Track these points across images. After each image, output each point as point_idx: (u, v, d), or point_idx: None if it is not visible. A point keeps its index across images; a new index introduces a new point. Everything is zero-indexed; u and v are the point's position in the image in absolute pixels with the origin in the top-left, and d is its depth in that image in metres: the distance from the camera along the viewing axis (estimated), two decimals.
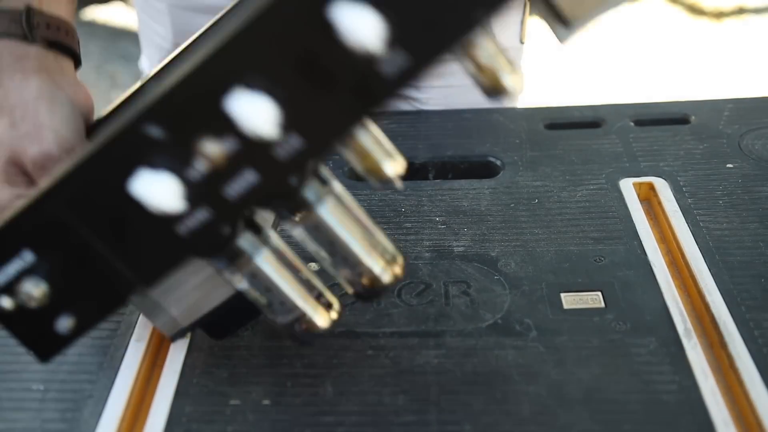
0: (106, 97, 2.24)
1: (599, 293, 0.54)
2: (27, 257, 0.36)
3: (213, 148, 0.33)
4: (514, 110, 0.77)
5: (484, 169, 0.68)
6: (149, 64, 0.83)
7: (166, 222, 0.35)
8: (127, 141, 0.34)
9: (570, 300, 0.53)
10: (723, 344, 0.49)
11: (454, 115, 0.75)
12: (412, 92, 0.79)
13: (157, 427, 0.45)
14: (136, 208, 0.34)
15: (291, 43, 0.31)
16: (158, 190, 0.33)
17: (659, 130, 0.71)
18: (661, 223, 0.61)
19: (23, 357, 0.50)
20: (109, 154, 0.34)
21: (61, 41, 0.53)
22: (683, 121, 0.72)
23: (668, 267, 0.55)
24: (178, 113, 0.33)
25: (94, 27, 2.65)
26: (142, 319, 0.52)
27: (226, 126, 0.33)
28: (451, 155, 0.69)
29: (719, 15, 2.67)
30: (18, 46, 0.50)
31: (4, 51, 0.50)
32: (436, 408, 0.46)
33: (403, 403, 0.46)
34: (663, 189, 0.63)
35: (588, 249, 0.57)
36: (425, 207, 0.63)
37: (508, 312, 0.52)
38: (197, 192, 0.34)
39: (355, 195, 0.63)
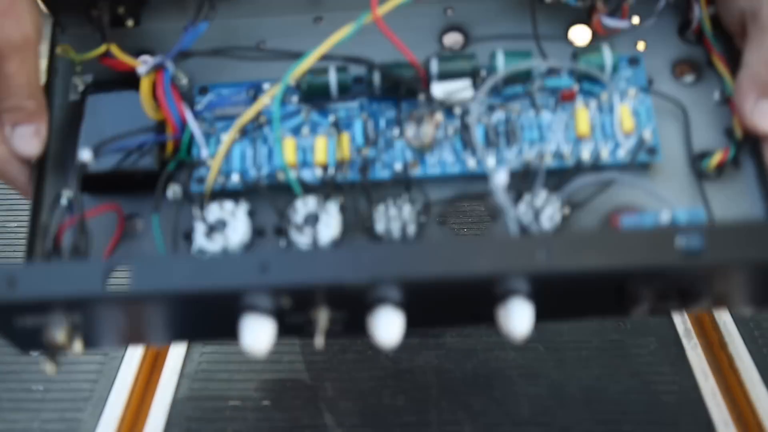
0: None
1: None
2: (76, 318, 0.34)
3: (325, 314, 0.33)
4: None
5: None
6: None
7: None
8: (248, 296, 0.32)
9: None
10: (723, 344, 0.49)
11: None
12: None
13: (157, 428, 0.45)
14: (221, 318, 0.34)
15: (458, 294, 0.32)
16: (253, 328, 0.32)
17: None
18: None
19: (23, 358, 0.50)
20: (223, 296, 0.32)
21: None
22: None
23: None
24: (317, 298, 0.32)
25: None
26: None
27: (351, 312, 0.33)
28: None
29: None
30: None
31: None
32: (436, 408, 0.46)
33: (403, 404, 0.46)
34: None
35: None
36: None
37: None
38: (282, 324, 0.33)
39: None
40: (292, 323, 0.33)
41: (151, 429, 0.45)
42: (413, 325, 0.33)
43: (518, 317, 0.31)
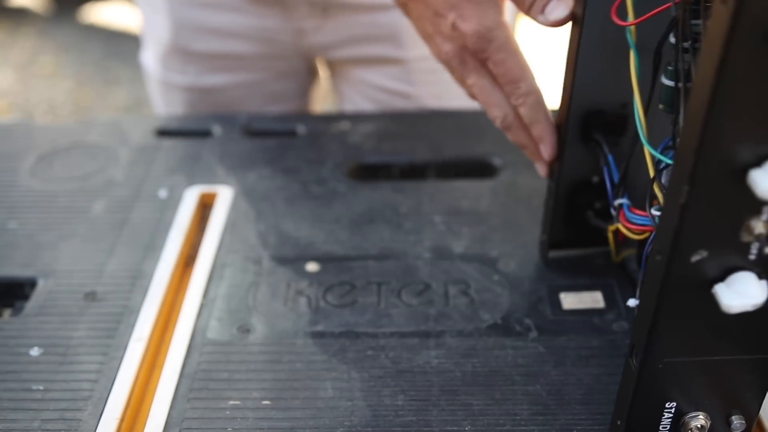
0: (107, 96, 2.24)
1: (599, 293, 0.54)
2: None
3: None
4: None
5: (484, 169, 0.68)
6: (151, 59, 0.83)
7: None
8: None
9: (570, 300, 0.53)
10: None
11: (453, 115, 0.75)
12: (404, 88, 0.80)
13: (157, 428, 0.45)
14: None
15: None
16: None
17: None
18: None
19: (23, 357, 0.50)
20: None
21: None
22: None
23: None
24: None
25: (94, 27, 2.65)
26: (141, 318, 0.52)
27: None
28: (451, 155, 0.69)
29: None
30: None
31: None
32: (436, 408, 0.46)
33: (403, 403, 0.46)
34: None
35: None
36: (425, 207, 0.63)
37: (508, 312, 0.52)
38: None
39: (354, 195, 0.64)
40: None
41: (151, 429, 0.45)
42: None
43: None
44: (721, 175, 0.33)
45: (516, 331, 0.51)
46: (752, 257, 0.35)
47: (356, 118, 0.75)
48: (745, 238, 0.35)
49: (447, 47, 0.52)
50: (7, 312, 0.57)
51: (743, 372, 0.39)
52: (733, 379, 0.39)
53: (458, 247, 0.58)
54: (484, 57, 0.51)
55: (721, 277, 0.36)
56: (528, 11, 0.49)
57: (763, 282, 0.36)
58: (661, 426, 0.40)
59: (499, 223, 0.61)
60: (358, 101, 0.84)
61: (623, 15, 0.42)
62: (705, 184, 0.33)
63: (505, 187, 0.65)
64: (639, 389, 0.39)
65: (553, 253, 0.57)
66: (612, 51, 0.45)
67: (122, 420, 0.46)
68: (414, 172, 0.68)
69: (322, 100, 0.92)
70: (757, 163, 0.33)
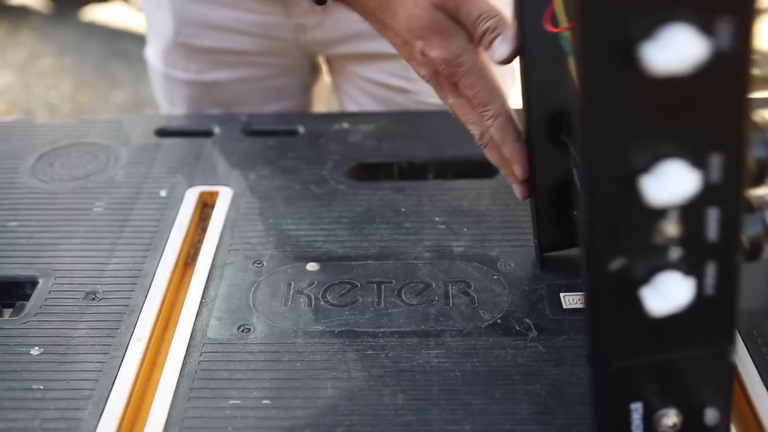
0: (107, 96, 2.24)
1: None
2: None
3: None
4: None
5: (484, 169, 0.68)
6: (154, 54, 0.83)
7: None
8: None
9: (570, 300, 0.53)
10: None
11: None
12: (403, 84, 0.80)
13: (157, 427, 0.45)
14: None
15: None
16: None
17: None
18: None
19: (23, 357, 0.50)
20: None
21: None
22: None
23: None
24: None
25: (94, 27, 2.65)
26: (141, 318, 0.52)
27: None
28: (451, 155, 0.69)
29: None
30: None
31: None
32: (436, 407, 0.46)
33: (403, 403, 0.46)
34: None
35: None
36: (425, 207, 0.63)
37: (507, 312, 0.52)
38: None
39: (354, 195, 0.64)
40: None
41: (151, 428, 0.45)
42: None
43: None
44: (616, 184, 0.33)
45: (516, 330, 0.51)
46: (673, 257, 0.35)
47: (356, 117, 0.75)
48: (659, 241, 0.34)
49: (423, 71, 0.54)
50: (7, 312, 0.57)
51: (700, 366, 0.39)
52: (691, 374, 0.39)
53: (458, 246, 0.58)
54: (455, 81, 0.52)
55: (647, 279, 0.35)
56: (478, 45, 0.51)
57: (690, 280, 0.35)
58: (633, 427, 0.40)
59: (499, 223, 0.61)
60: (359, 98, 0.84)
61: (557, 22, 0.42)
62: (603, 195, 0.33)
63: (505, 187, 0.65)
64: (599, 395, 0.39)
65: (552, 253, 0.57)
66: (562, 54, 0.46)
67: (122, 419, 0.46)
68: (414, 172, 0.68)
69: (326, 99, 0.92)
70: (646, 169, 0.33)
